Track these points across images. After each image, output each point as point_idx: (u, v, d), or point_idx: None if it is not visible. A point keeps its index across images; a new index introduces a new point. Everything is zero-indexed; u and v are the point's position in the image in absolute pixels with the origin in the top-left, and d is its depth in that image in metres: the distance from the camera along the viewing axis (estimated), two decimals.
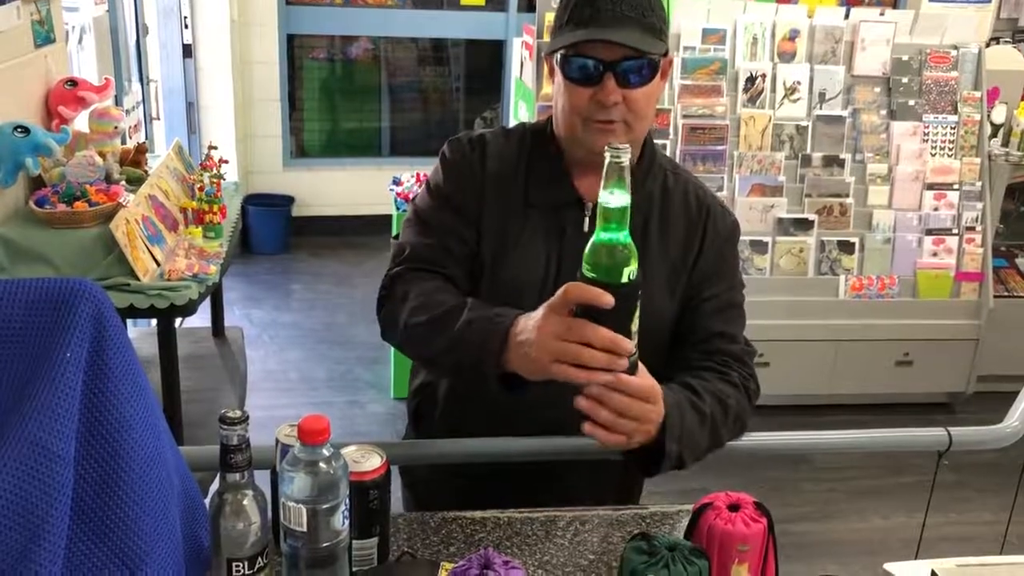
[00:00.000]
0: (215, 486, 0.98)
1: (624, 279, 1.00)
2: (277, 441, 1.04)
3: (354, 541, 1.02)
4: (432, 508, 1.26)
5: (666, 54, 1.23)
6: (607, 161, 0.97)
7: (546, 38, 3.35)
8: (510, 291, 1.26)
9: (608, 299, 0.99)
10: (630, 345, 1.02)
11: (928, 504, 1.43)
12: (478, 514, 1.21)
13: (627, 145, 0.98)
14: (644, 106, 1.22)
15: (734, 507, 1.04)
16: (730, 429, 1.28)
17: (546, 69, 1.32)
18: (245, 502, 0.95)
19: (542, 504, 1.27)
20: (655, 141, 1.36)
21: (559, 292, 1.04)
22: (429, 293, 1.24)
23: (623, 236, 0.99)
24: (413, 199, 1.39)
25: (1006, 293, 3.73)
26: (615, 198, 0.97)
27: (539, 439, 1.28)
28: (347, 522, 0.96)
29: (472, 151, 1.32)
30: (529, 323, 1.09)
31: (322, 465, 0.92)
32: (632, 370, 1.05)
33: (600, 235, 1.00)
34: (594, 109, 1.20)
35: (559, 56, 1.22)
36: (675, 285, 1.31)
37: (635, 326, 1.03)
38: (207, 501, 0.99)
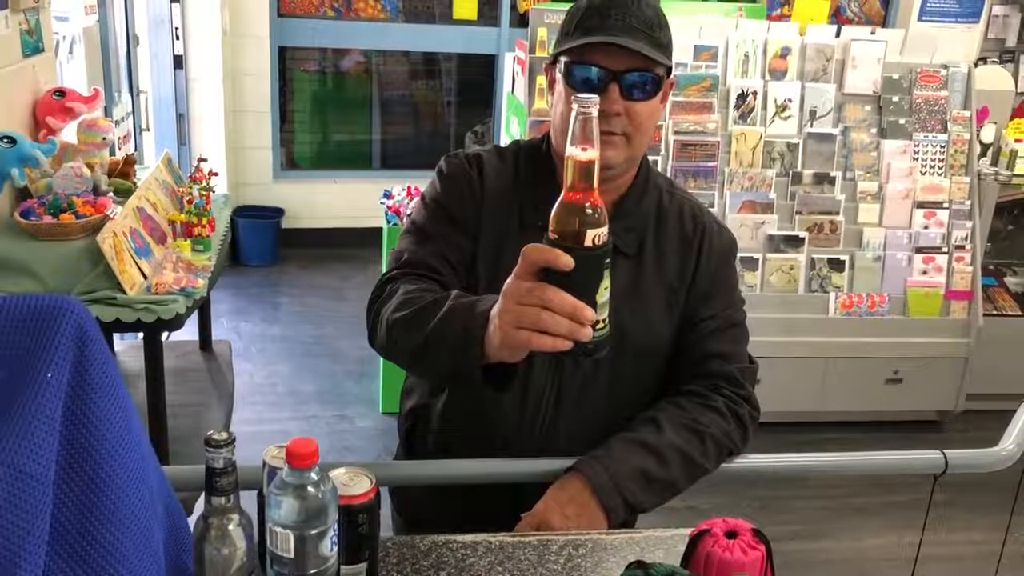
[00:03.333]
0: (199, 505, 0.95)
1: (587, 242, 0.93)
2: (264, 463, 1.02)
3: (342, 567, 0.99)
4: (421, 527, 1.24)
5: (669, 74, 1.23)
6: (575, 112, 0.92)
7: (538, 53, 3.37)
8: None
9: (565, 260, 0.93)
10: (592, 313, 0.95)
11: (923, 528, 1.42)
12: (469, 538, 1.19)
13: (595, 96, 0.93)
14: (646, 121, 1.21)
15: (731, 534, 1.02)
16: (712, 456, 1.27)
17: (545, 81, 1.31)
18: (231, 527, 0.92)
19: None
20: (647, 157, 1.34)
21: (520, 255, 0.99)
22: (415, 292, 1.21)
23: (591, 195, 0.93)
24: (409, 215, 1.37)
25: (995, 312, 3.74)
26: (584, 152, 0.92)
27: (532, 460, 1.26)
28: (335, 547, 0.94)
29: (470, 167, 1.31)
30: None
31: (310, 489, 0.90)
32: (600, 349, 0.98)
33: (566, 192, 0.93)
34: None
35: (563, 63, 1.21)
36: (673, 306, 1.30)
37: (603, 298, 0.96)
38: (191, 522, 0.97)
